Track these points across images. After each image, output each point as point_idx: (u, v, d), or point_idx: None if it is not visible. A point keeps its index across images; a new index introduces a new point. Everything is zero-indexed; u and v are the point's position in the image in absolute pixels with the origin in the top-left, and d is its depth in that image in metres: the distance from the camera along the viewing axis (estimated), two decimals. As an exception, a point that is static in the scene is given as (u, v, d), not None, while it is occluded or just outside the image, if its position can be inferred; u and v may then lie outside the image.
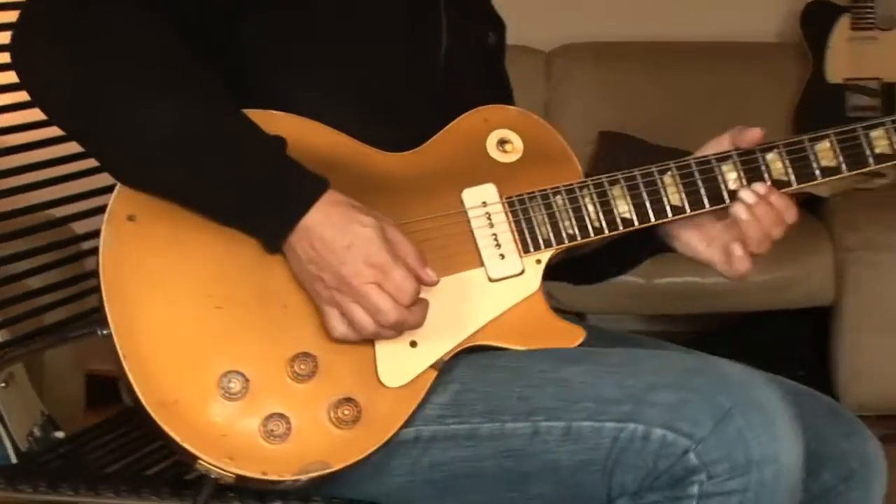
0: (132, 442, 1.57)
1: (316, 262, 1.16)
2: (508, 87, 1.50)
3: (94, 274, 1.19)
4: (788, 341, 3.20)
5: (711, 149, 1.31)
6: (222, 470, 1.15)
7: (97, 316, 1.19)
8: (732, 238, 1.30)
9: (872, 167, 1.27)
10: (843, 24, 3.36)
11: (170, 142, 1.15)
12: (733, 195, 1.28)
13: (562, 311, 1.28)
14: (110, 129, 1.16)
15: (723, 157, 1.28)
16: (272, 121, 1.21)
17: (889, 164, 1.28)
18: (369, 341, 1.19)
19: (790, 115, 3.40)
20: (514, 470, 1.19)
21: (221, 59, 1.26)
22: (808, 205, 3.08)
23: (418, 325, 1.18)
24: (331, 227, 1.16)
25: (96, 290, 1.21)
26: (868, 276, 2.97)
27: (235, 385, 1.17)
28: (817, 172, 1.28)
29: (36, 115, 1.29)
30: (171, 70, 1.17)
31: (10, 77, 1.25)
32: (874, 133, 1.28)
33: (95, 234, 1.22)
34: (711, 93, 3.44)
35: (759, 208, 1.27)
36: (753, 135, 1.29)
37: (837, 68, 3.36)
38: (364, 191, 1.22)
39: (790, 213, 1.28)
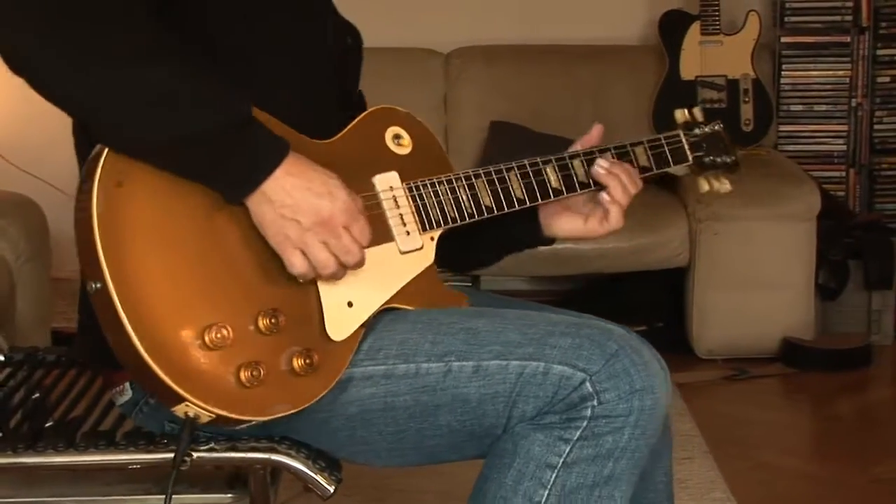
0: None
1: (291, 207, 1.20)
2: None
3: (82, 236, 1.18)
4: (650, 298, 3.39)
5: (577, 146, 1.45)
6: (206, 411, 1.18)
7: (83, 274, 1.19)
8: (597, 204, 1.43)
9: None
10: (694, 30, 3.55)
11: (157, 100, 1.15)
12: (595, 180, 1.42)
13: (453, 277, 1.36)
14: (101, 90, 1.15)
15: (588, 153, 1.44)
16: None
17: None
18: (317, 299, 1.26)
19: (650, 107, 3.59)
20: (427, 403, 1.26)
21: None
22: (667, 183, 3.28)
23: (359, 265, 1.26)
24: (306, 177, 1.21)
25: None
26: (715, 243, 3.20)
27: (218, 335, 1.19)
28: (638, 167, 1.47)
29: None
30: (152, 33, 1.17)
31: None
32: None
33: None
34: (584, 88, 3.65)
35: (614, 168, 1.42)
36: (596, 133, 1.46)
37: (690, 67, 3.56)
38: None
39: (636, 177, 1.43)
